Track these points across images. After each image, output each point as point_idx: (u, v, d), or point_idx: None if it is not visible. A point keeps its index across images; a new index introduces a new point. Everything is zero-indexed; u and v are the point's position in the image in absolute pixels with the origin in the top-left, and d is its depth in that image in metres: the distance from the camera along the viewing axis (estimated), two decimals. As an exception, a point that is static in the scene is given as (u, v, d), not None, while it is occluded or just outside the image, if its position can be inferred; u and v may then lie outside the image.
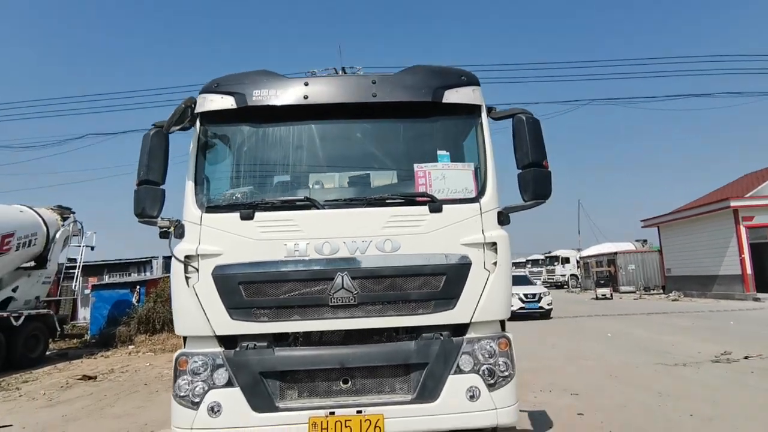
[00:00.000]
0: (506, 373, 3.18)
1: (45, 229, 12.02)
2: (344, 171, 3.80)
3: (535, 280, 23.04)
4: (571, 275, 36.44)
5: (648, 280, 29.32)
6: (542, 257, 40.26)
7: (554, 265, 37.53)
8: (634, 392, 6.34)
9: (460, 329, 3.23)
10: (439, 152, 3.47)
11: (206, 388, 3.02)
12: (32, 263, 12.11)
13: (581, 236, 41.09)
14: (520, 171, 3.44)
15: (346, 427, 2.95)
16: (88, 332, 15.49)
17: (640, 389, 6.48)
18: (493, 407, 3.08)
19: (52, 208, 12.83)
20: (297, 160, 3.57)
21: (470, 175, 3.43)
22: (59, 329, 12.57)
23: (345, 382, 3.12)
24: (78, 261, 14.40)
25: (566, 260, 37.47)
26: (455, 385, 3.07)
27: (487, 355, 3.15)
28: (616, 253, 30.76)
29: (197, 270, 3.12)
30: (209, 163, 3.44)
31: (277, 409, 3.00)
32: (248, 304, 3.10)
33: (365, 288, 3.11)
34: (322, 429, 2.94)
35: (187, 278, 3.12)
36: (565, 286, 36.03)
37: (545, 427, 5.07)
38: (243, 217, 3.16)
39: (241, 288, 3.10)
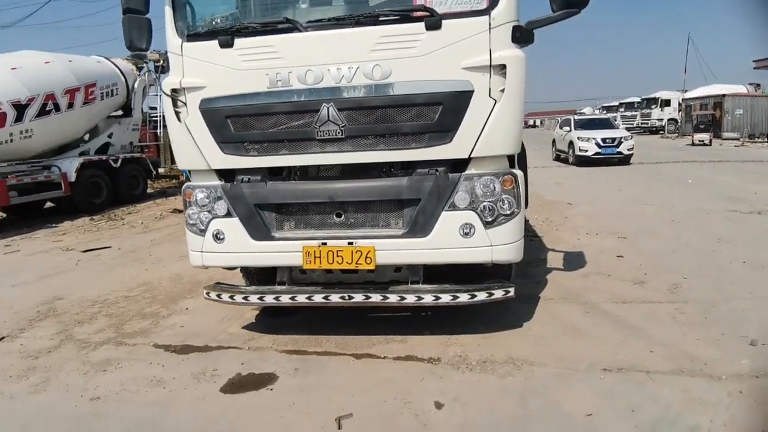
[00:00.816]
0: (508, 212, 2.98)
1: (123, 79, 12.59)
2: None
3: (620, 124, 20.92)
4: (669, 119, 32.56)
5: (755, 127, 25.58)
6: (638, 100, 35.86)
7: (651, 109, 33.50)
8: (691, 237, 5.91)
9: (461, 165, 2.99)
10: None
11: (210, 218, 3.20)
12: (120, 112, 13.11)
13: (687, 75, 35.40)
14: None
15: (338, 256, 3.04)
16: (182, 173, 17.22)
17: (699, 234, 6.01)
18: (488, 244, 2.97)
19: (126, 59, 13.26)
20: None
21: None
22: (154, 171, 14.05)
23: (338, 216, 3.14)
24: (159, 109, 15.30)
25: (666, 103, 33.15)
26: (448, 221, 2.96)
27: (487, 193, 2.94)
28: (724, 96, 26.50)
29: (185, 104, 3.06)
30: None
31: (273, 238, 3.14)
32: (237, 138, 3.05)
33: (353, 120, 2.89)
34: (314, 257, 3.06)
35: (177, 113, 3.09)
36: (661, 132, 32.59)
37: (577, 266, 4.98)
38: (222, 45, 2.93)
39: (229, 122, 3.03)
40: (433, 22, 2.75)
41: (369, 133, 2.91)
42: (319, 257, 3.05)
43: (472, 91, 2.79)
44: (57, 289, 5.31)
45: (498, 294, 3.18)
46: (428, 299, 3.15)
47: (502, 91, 2.78)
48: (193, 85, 3.01)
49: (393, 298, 3.18)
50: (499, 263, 3.09)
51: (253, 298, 3.35)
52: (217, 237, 3.19)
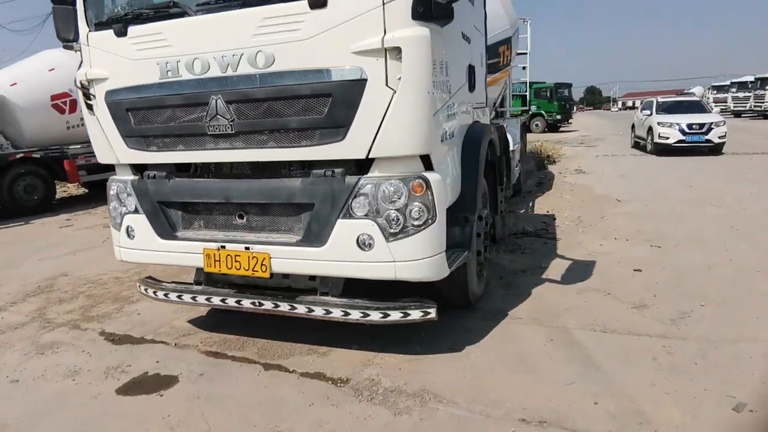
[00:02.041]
0: (418, 222, 2.53)
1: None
2: None
3: (713, 107, 17.95)
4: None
5: None
6: (752, 79, 30.69)
7: (765, 90, 28.59)
8: (742, 251, 4.84)
9: (366, 165, 2.58)
10: None
11: (124, 213, 3.12)
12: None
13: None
14: None
15: (235, 261, 2.82)
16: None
17: (754, 248, 4.91)
18: (390, 259, 2.55)
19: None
20: None
21: None
22: None
23: (240, 217, 2.89)
24: None
25: (785, 82, 28.09)
26: (345, 231, 2.58)
27: (391, 199, 2.51)
28: None
29: (95, 96, 2.97)
30: None
31: (176, 238, 2.99)
32: (138, 132, 2.91)
33: (241, 114, 2.61)
34: (214, 260, 2.87)
35: (89, 105, 3.01)
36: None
37: (576, 279, 4.28)
38: (116, 34, 2.78)
39: (130, 115, 2.89)
40: None
41: (258, 128, 2.60)
42: (219, 261, 2.85)
43: (365, 80, 2.37)
44: (70, 265, 5.70)
45: (415, 315, 2.75)
46: (337, 314, 2.82)
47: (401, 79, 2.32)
48: (98, 77, 2.91)
49: (301, 309, 2.89)
50: (406, 280, 2.66)
51: (173, 296, 3.24)
52: (129, 233, 3.11)
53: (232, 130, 2.64)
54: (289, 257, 2.72)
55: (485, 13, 4.18)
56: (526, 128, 10.40)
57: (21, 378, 3.12)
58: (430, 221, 2.54)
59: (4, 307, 4.46)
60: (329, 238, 2.61)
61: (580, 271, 4.50)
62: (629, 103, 63.54)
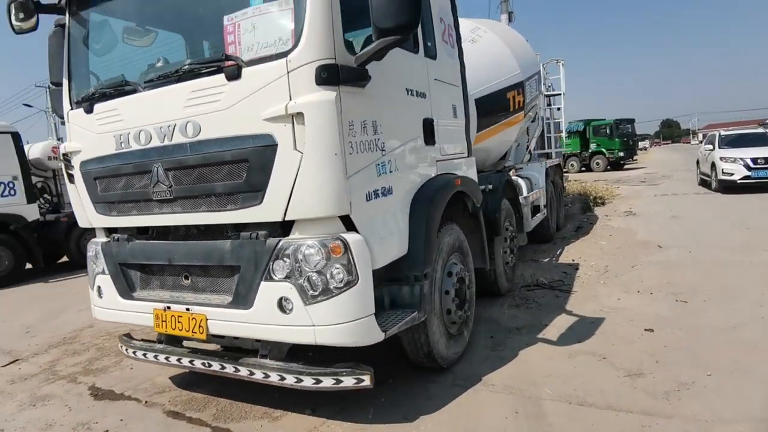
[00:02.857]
0: (338, 285, 2.46)
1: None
2: (188, 40, 3.19)
3: None
4: None
5: None
6: None
7: None
8: (787, 308, 4.17)
9: (288, 228, 2.58)
10: (251, -10, 2.54)
11: (95, 273, 3.33)
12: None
13: None
14: None
15: (178, 322, 2.88)
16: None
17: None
18: (309, 323, 2.48)
19: None
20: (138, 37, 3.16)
21: (289, 17, 2.42)
22: None
23: (186, 278, 2.97)
24: None
25: None
26: (267, 293, 2.57)
27: (309, 262, 2.47)
28: None
29: (73, 167, 3.27)
30: (76, 55, 3.32)
31: (133, 298, 3.12)
32: (102, 199, 3.15)
33: (178, 180, 2.75)
34: (161, 321, 2.95)
35: (69, 175, 3.32)
36: None
37: (574, 340, 3.90)
38: (86, 111, 3.08)
39: (96, 183, 3.14)
40: (231, 71, 2.47)
41: (191, 193, 2.72)
42: (165, 321, 2.93)
43: (276, 145, 2.41)
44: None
45: (347, 382, 2.62)
46: (274, 378, 2.76)
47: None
48: (74, 149, 3.21)
49: (243, 372, 2.87)
50: (329, 345, 2.55)
51: (140, 354, 3.36)
52: (100, 292, 3.30)
53: (171, 195, 2.78)
54: (222, 319, 2.74)
55: (462, 64, 4.15)
56: (559, 170, 9.92)
57: (6, 429, 3.32)
58: (351, 284, 2.46)
59: (25, 358, 4.84)
60: (254, 301, 2.60)
61: (582, 330, 4.10)
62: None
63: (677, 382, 3.09)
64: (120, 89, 2.96)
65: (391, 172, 2.85)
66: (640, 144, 69.80)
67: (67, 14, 3.29)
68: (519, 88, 6.67)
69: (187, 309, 2.85)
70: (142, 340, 3.46)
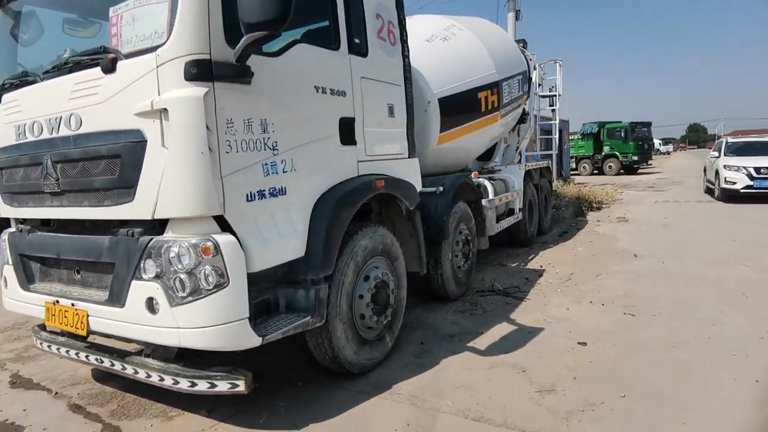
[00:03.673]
0: (208, 287, 2.38)
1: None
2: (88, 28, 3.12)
3: None
4: None
5: None
6: None
7: None
8: (736, 327, 3.96)
9: (165, 226, 2.51)
10: (135, -19, 2.46)
11: (3, 263, 3.32)
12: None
13: None
14: None
15: (64, 316, 2.85)
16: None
17: (754, 324, 3.98)
18: (174, 325, 2.41)
19: None
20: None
21: (165, 9, 2.33)
22: None
23: (77, 272, 2.93)
24: None
25: None
26: (137, 292, 2.51)
27: (178, 262, 2.40)
28: None
29: None
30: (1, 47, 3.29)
31: (29, 289, 3.10)
32: (6, 189, 3.13)
33: (64, 173, 2.70)
34: (51, 314, 2.93)
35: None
36: None
37: (500, 350, 3.75)
38: None
39: (3, 173, 3.12)
40: (106, 64, 2.41)
41: (74, 187, 2.68)
42: (54, 315, 2.90)
43: (145, 141, 2.34)
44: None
45: (222, 387, 2.55)
46: (155, 378, 2.70)
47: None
48: None
49: (129, 370, 2.82)
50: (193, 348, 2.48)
51: (45, 346, 3.34)
52: (5, 282, 3.29)
53: (58, 188, 2.74)
54: (100, 316, 2.69)
55: (406, 62, 4.02)
56: (548, 173, 9.64)
57: None
58: (220, 286, 2.38)
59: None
60: (126, 300, 2.54)
61: (515, 340, 3.95)
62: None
63: (585, 402, 2.93)
64: (23, 80, 2.93)
65: (285, 172, 2.75)
66: (662, 148, 68.09)
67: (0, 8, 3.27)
68: (493, 88, 6.47)
69: (73, 304, 2.81)
70: (50, 332, 3.45)
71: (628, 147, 25.66)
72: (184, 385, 2.60)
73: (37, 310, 3.07)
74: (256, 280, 2.67)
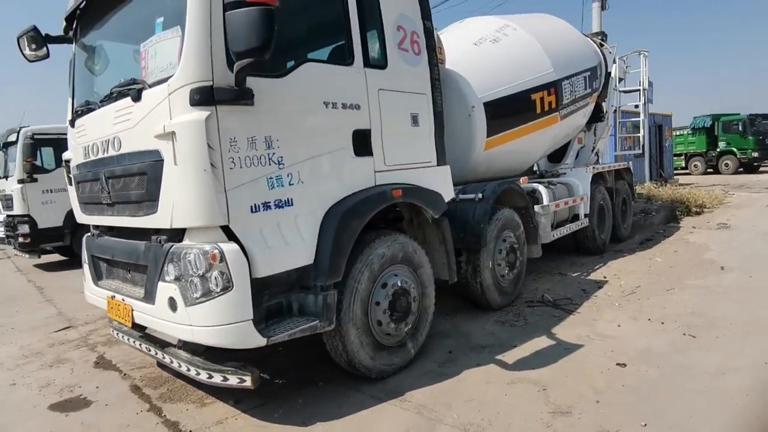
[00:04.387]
0: (216, 289, 2.66)
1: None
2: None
3: None
4: None
5: None
6: None
7: None
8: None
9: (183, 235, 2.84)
10: (156, 20, 2.81)
11: (83, 261, 3.93)
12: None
13: None
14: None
15: (118, 310, 3.31)
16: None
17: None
18: (188, 323, 2.71)
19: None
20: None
21: (176, 43, 2.65)
22: None
23: (128, 272, 3.39)
24: None
25: None
26: (163, 292, 2.86)
27: (192, 266, 2.70)
28: None
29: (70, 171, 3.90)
30: (78, 76, 3.88)
31: (98, 285, 3.64)
32: (80, 200, 3.70)
33: (113, 188, 3.15)
34: (110, 307, 3.43)
35: (69, 178, 3.95)
36: None
37: (531, 366, 3.62)
38: (71, 125, 3.65)
39: (78, 186, 3.70)
40: (134, 93, 2.78)
41: (120, 199, 3.11)
42: (112, 308, 3.39)
43: (163, 160, 2.67)
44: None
45: (232, 381, 2.82)
46: (183, 368, 3.06)
47: None
48: (68, 158, 3.81)
49: (167, 359, 3.22)
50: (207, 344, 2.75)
51: (115, 333, 3.91)
52: (85, 278, 3.90)
53: (110, 200, 3.20)
54: (140, 311, 3.09)
55: (434, 70, 4.03)
56: (627, 174, 8.88)
57: (18, 383, 4.10)
58: (226, 290, 2.63)
59: (76, 326, 5.80)
60: (156, 298, 2.90)
61: (547, 356, 3.78)
62: None
63: (599, 428, 2.74)
64: (88, 108, 3.47)
65: (291, 184, 2.94)
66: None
67: (74, 43, 3.90)
68: (550, 88, 6.17)
69: (123, 299, 3.27)
70: (118, 321, 4.00)
71: (746, 142, 22.54)
72: (203, 376, 2.91)
73: (103, 303, 3.60)
74: (267, 284, 2.91)
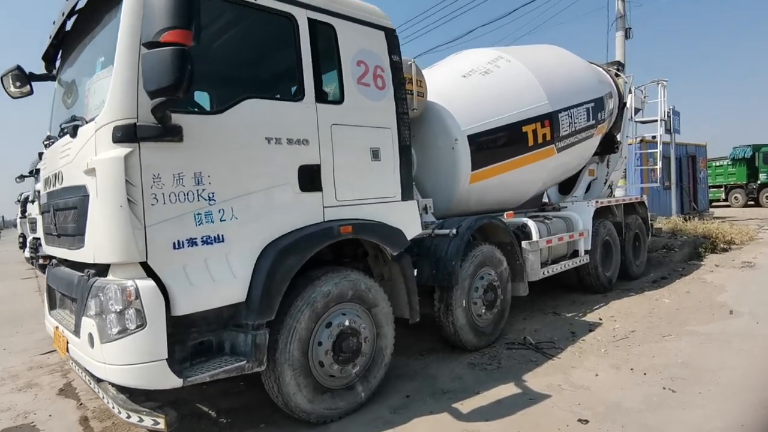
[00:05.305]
0: (131, 327, 2.60)
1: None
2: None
3: None
4: None
5: None
6: None
7: None
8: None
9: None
10: (99, 59, 2.88)
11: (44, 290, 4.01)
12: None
13: None
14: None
15: (59, 340, 3.32)
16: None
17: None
18: (102, 360, 2.67)
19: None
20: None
21: (109, 82, 2.69)
22: None
23: (72, 302, 3.40)
24: None
25: None
26: (84, 327, 2.83)
27: (110, 302, 2.66)
28: None
29: None
30: (55, 107, 4.03)
31: (51, 314, 3.67)
32: (43, 230, 3.79)
33: (58, 221, 3.21)
34: (55, 336, 3.44)
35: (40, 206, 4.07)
36: None
37: (484, 417, 3.36)
38: (40, 158, 3.78)
39: (43, 217, 3.80)
40: (71, 130, 2.84)
41: (62, 232, 3.15)
42: (56, 338, 3.40)
43: (88, 196, 2.68)
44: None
45: (147, 422, 2.72)
46: (110, 405, 2.98)
47: None
48: (39, 188, 3.95)
49: (100, 394, 3.16)
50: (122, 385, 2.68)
51: (72, 365, 3.91)
52: (44, 306, 3.96)
53: (56, 233, 3.26)
54: (72, 344, 3.07)
55: (399, 104, 3.96)
56: (642, 208, 8.46)
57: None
58: (140, 327, 2.58)
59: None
60: (81, 332, 2.88)
61: (507, 406, 3.51)
62: None
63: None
64: (51, 141, 3.59)
65: (223, 220, 2.89)
66: None
67: (56, 81, 4.08)
68: (544, 120, 5.99)
69: (63, 331, 3.27)
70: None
71: (790, 174, 21.27)
72: (123, 415, 2.82)
73: (52, 332, 3.63)
74: (193, 322, 2.84)
